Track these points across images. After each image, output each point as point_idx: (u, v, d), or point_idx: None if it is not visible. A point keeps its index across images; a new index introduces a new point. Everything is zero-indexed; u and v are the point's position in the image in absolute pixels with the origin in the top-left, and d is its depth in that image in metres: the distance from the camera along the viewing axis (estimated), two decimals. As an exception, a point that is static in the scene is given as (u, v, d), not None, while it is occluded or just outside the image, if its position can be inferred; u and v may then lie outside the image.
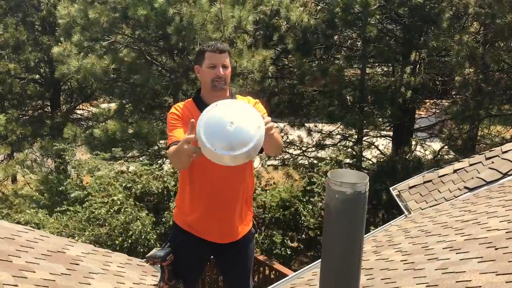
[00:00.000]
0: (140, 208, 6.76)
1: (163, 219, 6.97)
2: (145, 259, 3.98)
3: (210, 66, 2.45)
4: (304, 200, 8.18)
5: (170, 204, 7.06)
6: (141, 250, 6.43)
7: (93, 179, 7.09)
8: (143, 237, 6.41)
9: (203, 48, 2.49)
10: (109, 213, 6.50)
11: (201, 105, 2.45)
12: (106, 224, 6.44)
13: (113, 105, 12.94)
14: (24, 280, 2.68)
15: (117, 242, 6.35)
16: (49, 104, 13.99)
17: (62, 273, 3.08)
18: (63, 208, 6.90)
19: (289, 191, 8.48)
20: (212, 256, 2.87)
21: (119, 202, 6.58)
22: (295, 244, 8.56)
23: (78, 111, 14.76)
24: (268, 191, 8.60)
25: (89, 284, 3.11)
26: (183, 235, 2.62)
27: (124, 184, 6.99)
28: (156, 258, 2.56)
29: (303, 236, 8.57)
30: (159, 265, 2.64)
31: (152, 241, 6.49)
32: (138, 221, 6.45)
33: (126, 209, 6.55)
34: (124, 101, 10.80)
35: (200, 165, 2.41)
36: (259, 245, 7.61)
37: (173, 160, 2.33)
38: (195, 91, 2.62)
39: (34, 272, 2.87)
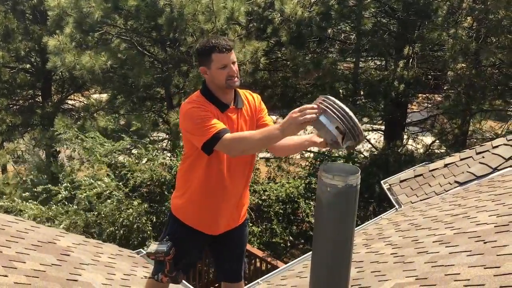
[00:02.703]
0: (133, 197, 6.71)
1: (162, 208, 6.88)
2: (146, 254, 3.98)
3: (221, 67, 2.34)
4: (305, 196, 8.20)
5: (168, 194, 6.99)
6: (136, 240, 6.39)
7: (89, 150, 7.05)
8: (135, 226, 6.36)
9: (207, 49, 2.33)
10: (98, 199, 6.45)
11: (215, 100, 2.41)
12: (95, 210, 6.40)
13: (104, 96, 12.85)
14: (14, 271, 2.67)
15: (107, 231, 6.31)
16: (40, 93, 13.85)
17: (52, 264, 3.06)
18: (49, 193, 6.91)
19: (296, 186, 8.42)
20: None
21: (106, 187, 6.51)
22: (287, 237, 8.59)
23: (70, 101, 14.64)
24: (271, 184, 8.54)
25: (80, 275, 3.10)
26: (183, 228, 2.61)
27: (117, 172, 6.96)
28: (159, 253, 2.53)
29: (296, 229, 8.60)
30: (155, 259, 2.63)
31: (148, 232, 6.44)
32: (130, 209, 6.40)
33: (116, 195, 6.48)
34: (115, 92, 10.71)
35: (219, 157, 2.41)
36: (257, 238, 7.62)
37: (251, 142, 2.19)
38: (202, 86, 2.49)
39: (24, 262, 2.86)
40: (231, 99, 2.47)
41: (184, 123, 2.41)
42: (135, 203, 6.52)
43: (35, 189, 7.60)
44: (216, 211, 2.56)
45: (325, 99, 1.95)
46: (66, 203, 6.67)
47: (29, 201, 6.78)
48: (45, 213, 6.45)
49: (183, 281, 3.37)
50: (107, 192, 6.52)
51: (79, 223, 6.33)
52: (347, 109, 1.91)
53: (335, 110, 1.90)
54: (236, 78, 2.38)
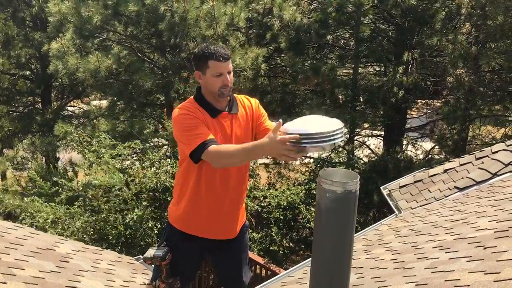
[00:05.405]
0: (138, 201, 6.71)
1: (165, 213, 6.88)
2: (142, 259, 3.99)
3: (216, 75, 2.34)
4: (306, 202, 8.17)
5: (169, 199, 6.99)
6: (139, 246, 6.37)
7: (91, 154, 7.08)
8: (140, 230, 6.35)
9: (205, 55, 2.33)
10: (107, 193, 6.48)
11: (208, 106, 2.43)
12: (102, 211, 6.41)
13: (104, 102, 12.87)
14: (13, 278, 2.66)
15: (110, 236, 6.30)
16: (39, 100, 13.88)
17: (51, 271, 3.06)
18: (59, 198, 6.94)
19: (297, 193, 8.38)
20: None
21: (119, 183, 6.53)
22: (287, 244, 8.56)
23: (69, 108, 14.66)
24: (271, 190, 8.49)
25: (79, 282, 3.09)
26: (179, 234, 2.62)
27: (126, 178, 6.98)
28: (155, 258, 2.55)
29: (296, 235, 8.57)
30: (153, 264, 2.64)
31: (154, 236, 6.43)
32: (136, 209, 6.40)
33: (124, 192, 6.49)
34: (115, 99, 10.73)
35: (209, 165, 2.39)
36: (257, 244, 7.60)
37: (232, 158, 2.24)
38: (196, 92, 2.51)
39: (24, 269, 2.85)
40: (225, 105, 2.47)
41: (174, 130, 2.44)
42: (143, 203, 6.54)
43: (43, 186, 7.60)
44: (208, 217, 2.55)
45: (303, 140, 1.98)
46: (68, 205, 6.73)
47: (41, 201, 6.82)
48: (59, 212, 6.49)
49: None
50: (117, 187, 6.53)
51: (88, 229, 6.31)
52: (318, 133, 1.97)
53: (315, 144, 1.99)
54: (229, 88, 2.39)
